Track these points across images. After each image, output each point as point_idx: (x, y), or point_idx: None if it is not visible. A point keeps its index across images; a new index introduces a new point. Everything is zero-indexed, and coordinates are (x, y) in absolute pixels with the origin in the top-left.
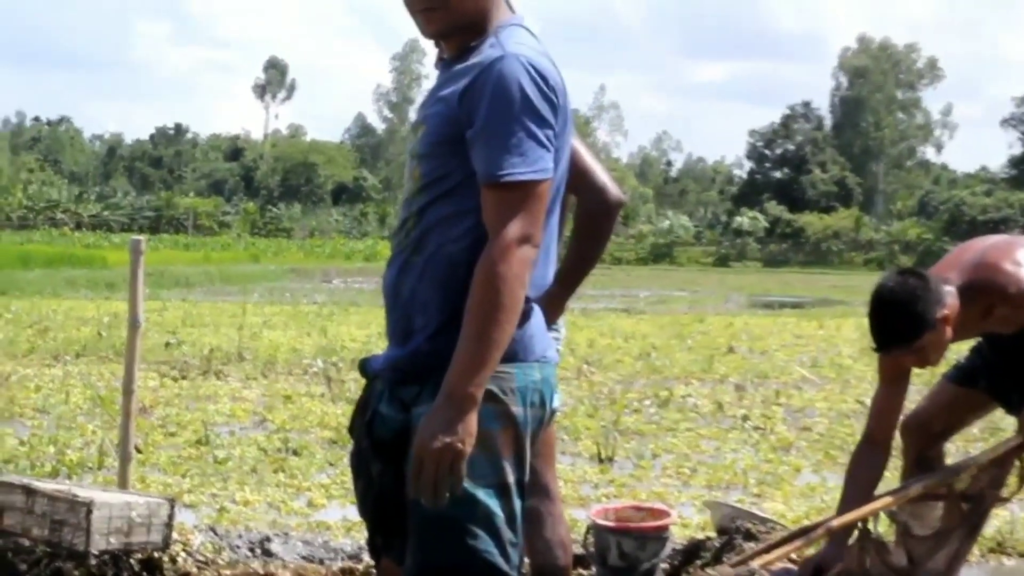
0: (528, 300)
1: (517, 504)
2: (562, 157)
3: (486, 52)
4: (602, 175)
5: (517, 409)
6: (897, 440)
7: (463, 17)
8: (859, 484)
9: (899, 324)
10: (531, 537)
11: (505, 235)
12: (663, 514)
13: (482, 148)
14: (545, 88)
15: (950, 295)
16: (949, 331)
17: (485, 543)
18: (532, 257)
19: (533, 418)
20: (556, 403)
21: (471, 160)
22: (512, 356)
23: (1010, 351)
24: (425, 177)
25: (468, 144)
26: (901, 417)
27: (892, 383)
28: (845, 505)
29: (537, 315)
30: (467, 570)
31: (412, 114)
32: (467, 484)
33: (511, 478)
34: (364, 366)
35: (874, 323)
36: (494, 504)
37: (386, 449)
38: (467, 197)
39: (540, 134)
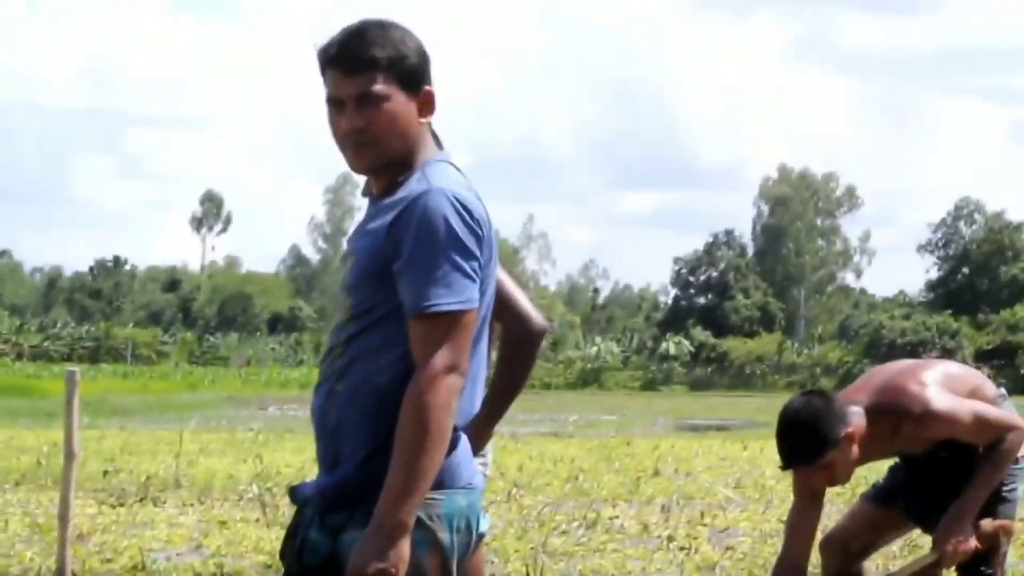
0: (455, 428)
1: None
2: (488, 287)
3: (413, 186)
4: (525, 303)
5: (444, 535)
6: (816, 558)
7: (391, 153)
8: None
9: (802, 442)
10: None
11: (432, 365)
12: None
13: (409, 280)
14: (470, 220)
15: (856, 415)
16: (855, 449)
17: None
18: (459, 386)
19: (459, 544)
20: (484, 527)
21: (398, 292)
22: (439, 483)
23: (925, 471)
24: (354, 308)
25: (395, 276)
26: (819, 536)
27: (807, 502)
28: None
29: (464, 443)
30: None
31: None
32: None
33: None
34: (293, 493)
35: (780, 442)
36: None
37: (315, 575)
38: (394, 328)
39: (465, 266)
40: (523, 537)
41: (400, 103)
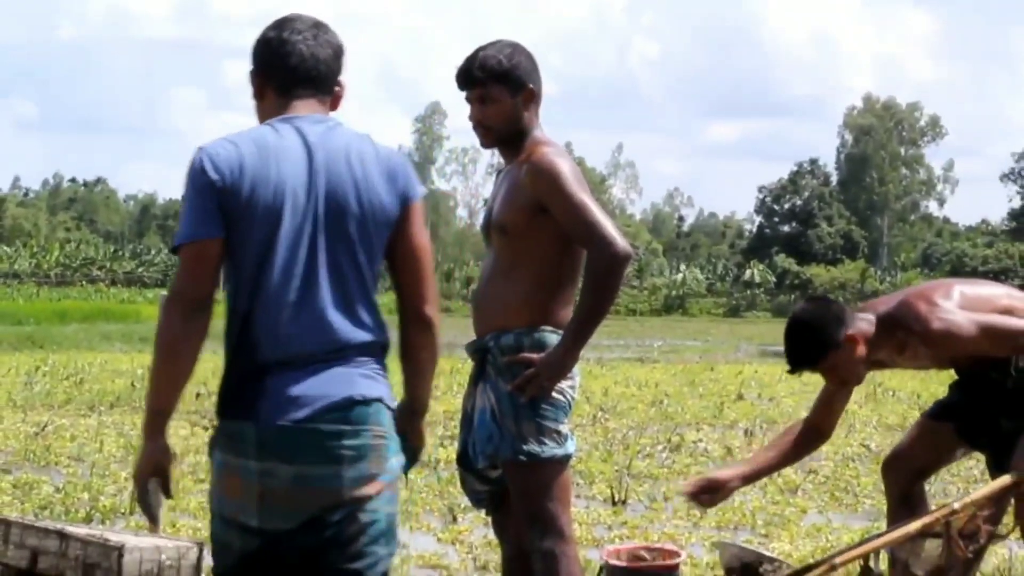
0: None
1: None
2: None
3: None
4: (610, 229)
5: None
6: (878, 481)
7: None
8: (777, 447)
9: (803, 345)
10: None
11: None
12: (673, 554)
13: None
14: (206, 170)
15: (864, 321)
16: (860, 350)
17: None
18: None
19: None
20: (571, 449)
21: None
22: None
23: (975, 391)
24: None
25: None
26: (884, 454)
27: (833, 389)
28: (756, 459)
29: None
30: None
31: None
32: None
33: None
34: None
35: (784, 347)
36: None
37: None
38: None
39: (195, 205)
40: (608, 460)
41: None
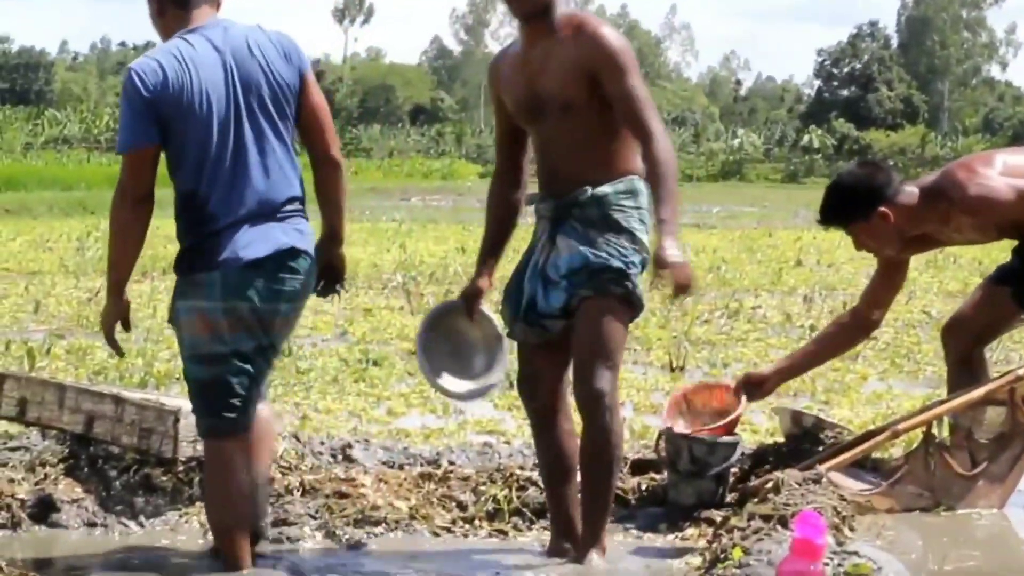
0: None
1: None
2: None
3: None
4: (661, 128)
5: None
6: (939, 348)
7: None
8: (821, 340)
9: (835, 207)
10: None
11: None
12: (733, 402)
13: None
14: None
15: (908, 195)
16: (890, 226)
17: None
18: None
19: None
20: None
21: None
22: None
23: None
24: None
25: None
26: (945, 319)
27: (887, 268)
28: (796, 354)
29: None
30: None
31: (488, 37)
32: None
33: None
34: None
35: (825, 199)
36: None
37: None
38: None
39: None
40: (665, 326)
41: None
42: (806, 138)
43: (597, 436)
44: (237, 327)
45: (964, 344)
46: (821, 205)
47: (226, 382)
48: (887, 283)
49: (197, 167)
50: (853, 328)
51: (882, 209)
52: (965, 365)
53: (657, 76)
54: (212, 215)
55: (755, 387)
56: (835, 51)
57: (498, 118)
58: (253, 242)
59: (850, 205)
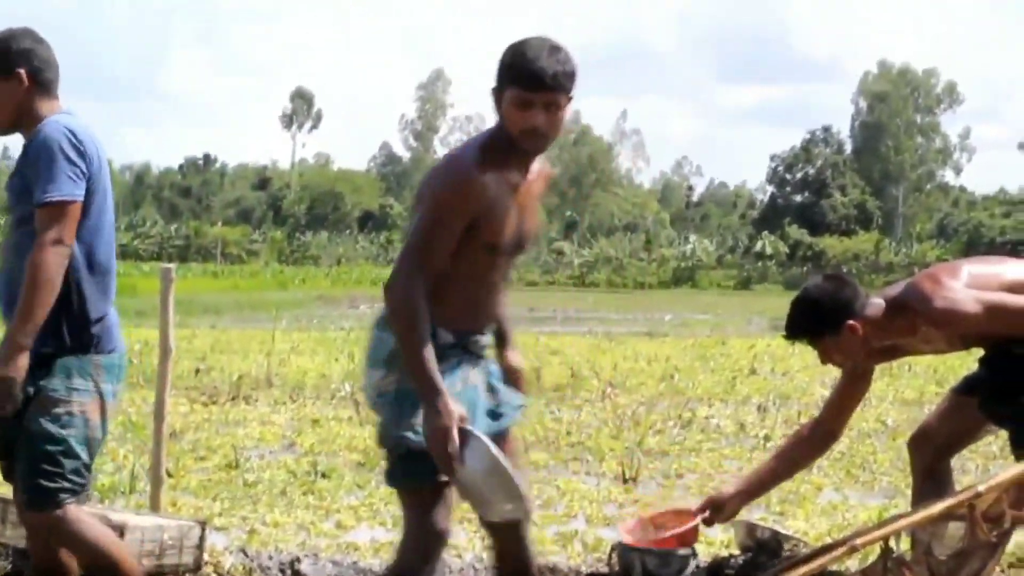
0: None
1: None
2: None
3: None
4: None
5: (105, 386)
6: (905, 460)
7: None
8: (782, 456)
9: (801, 320)
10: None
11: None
12: (687, 517)
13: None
14: (75, 140)
15: (875, 307)
16: (857, 339)
17: None
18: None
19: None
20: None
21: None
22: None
23: (999, 366)
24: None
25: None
26: (908, 434)
27: (851, 379)
28: (759, 472)
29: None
30: None
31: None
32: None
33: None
34: None
35: (788, 313)
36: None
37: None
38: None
39: (69, 171)
40: (618, 436)
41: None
42: (759, 244)
43: None
44: (107, 413)
45: (930, 456)
46: (788, 320)
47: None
48: (851, 392)
49: (93, 241)
50: (815, 440)
51: (851, 323)
52: (931, 477)
53: (609, 182)
54: (101, 297)
55: (717, 509)
56: (788, 156)
57: (448, 236)
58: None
59: (818, 319)
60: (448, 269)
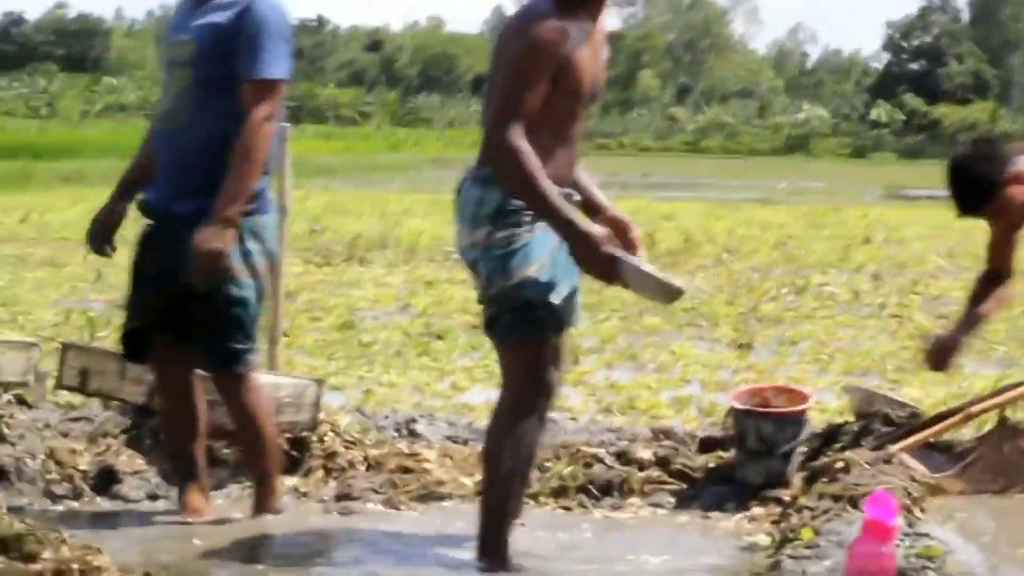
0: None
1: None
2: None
3: None
4: None
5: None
6: (1022, 329)
7: None
8: (981, 301)
9: (969, 189)
10: None
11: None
12: (803, 397)
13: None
14: (287, 20)
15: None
16: (1020, 197)
17: None
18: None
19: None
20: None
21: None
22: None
23: None
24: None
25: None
26: None
27: (999, 233)
28: (964, 318)
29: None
30: None
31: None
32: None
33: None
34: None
35: (951, 191)
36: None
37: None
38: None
39: (285, 49)
40: (733, 303)
41: None
42: (874, 112)
43: None
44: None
45: None
46: (955, 195)
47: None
48: (1007, 233)
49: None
50: (996, 282)
51: (1017, 170)
52: None
53: (723, 48)
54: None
55: (945, 350)
56: (904, 24)
57: (539, 86)
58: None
59: (987, 179)
60: (532, 123)
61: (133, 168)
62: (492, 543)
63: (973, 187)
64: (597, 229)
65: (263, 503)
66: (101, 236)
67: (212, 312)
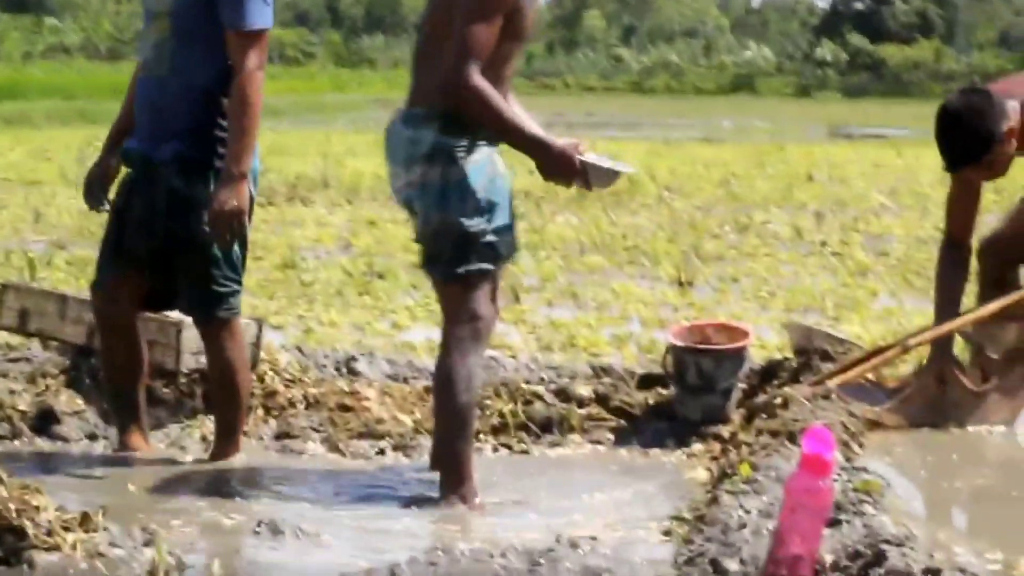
0: None
1: None
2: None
3: None
4: None
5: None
6: (974, 264)
7: None
8: (948, 287)
9: (967, 141)
10: None
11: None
12: (743, 334)
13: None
14: None
15: (1013, 109)
16: (1014, 143)
17: None
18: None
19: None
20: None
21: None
22: None
23: None
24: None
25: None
26: (976, 240)
27: (964, 188)
28: (939, 310)
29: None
30: None
31: None
32: None
33: None
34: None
35: (942, 143)
36: None
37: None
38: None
39: None
40: (674, 240)
41: None
42: (819, 51)
43: None
44: None
45: (1002, 265)
46: (951, 149)
47: None
48: (969, 196)
49: None
50: (960, 257)
51: (1011, 125)
52: (1000, 285)
53: None
54: None
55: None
56: None
57: (495, 28)
58: None
59: (986, 133)
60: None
61: (120, 119)
62: (457, 476)
63: (972, 140)
64: (563, 140)
65: (222, 451)
66: (96, 190)
67: (196, 256)
